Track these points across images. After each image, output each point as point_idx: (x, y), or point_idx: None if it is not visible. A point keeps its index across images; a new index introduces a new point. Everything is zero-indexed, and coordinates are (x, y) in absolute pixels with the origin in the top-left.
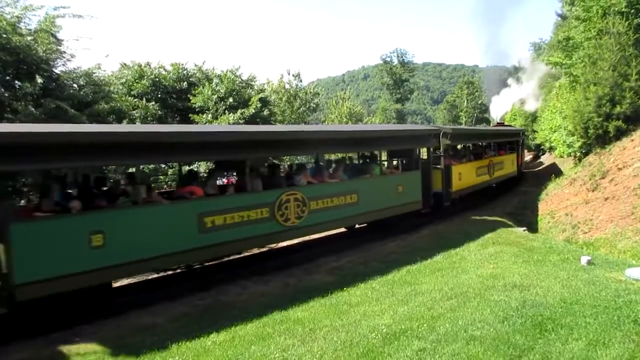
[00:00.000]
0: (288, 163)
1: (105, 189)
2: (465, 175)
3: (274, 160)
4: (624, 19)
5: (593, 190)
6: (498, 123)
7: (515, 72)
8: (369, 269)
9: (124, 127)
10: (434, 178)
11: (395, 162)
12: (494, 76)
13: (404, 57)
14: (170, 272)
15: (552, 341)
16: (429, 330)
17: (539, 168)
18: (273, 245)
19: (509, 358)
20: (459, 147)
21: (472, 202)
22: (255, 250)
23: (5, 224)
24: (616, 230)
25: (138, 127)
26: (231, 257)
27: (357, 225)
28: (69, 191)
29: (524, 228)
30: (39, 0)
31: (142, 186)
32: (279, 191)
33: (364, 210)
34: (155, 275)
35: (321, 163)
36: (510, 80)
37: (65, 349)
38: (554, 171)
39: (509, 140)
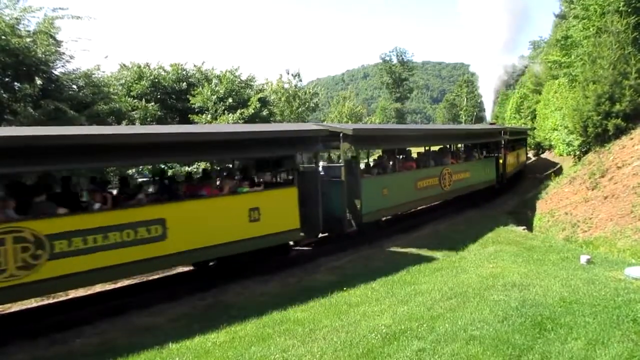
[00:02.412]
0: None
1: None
2: (510, 162)
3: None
4: (622, 17)
5: (593, 189)
6: (490, 123)
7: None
8: (369, 268)
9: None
10: (500, 163)
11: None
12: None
13: (403, 56)
14: (170, 273)
15: (552, 341)
16: (429, 330)
17: (530, 162)
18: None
19: (508, 358)
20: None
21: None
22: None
23: (358, 179)
24: (616, 229)
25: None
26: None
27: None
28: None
29: (524, 227)
30: (37, 2)
31: (395, 160)
32: (442, 167)
33: (472, 183)
34: (156, 276)
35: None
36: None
37: (66, 349)
38: (544, 163)
39: (523, 137)
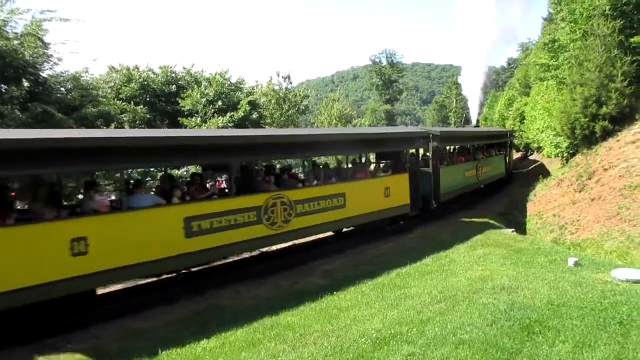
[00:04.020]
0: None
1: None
2: (511, 159)
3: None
4: (608, 20)
5: (580, 191)
6: (475, 125)
7: (504, 72)
8: (360, 271)
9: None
10: (507, 159)
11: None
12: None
13: (392, 58)
14: (164, 277)
15: (540, 344)
16: (419, 334)
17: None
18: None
19: None
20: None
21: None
22: (245, 255)
23: (437, 169)
24: (602, 231)
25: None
26: (224, 261)
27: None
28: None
29: (512, 229)
30: (25, 4)
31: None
32: (476, 161)
33: (492, 174)
34: (150, 280)
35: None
36: None
37: (57, 355)
38: (526, 161)
39: (512, 138)
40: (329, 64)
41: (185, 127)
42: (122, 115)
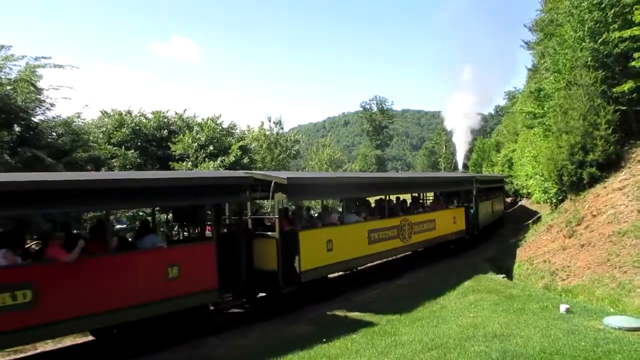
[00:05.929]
0: None
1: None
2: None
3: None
4: (590, 71)
5: (569, 237)
6: (462, 172)
7: (492, 118)
8: (349, 318)
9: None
10: (504, 200)
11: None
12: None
13: (383, 105)
14: None
15: None
16: None
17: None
18: None
19: None
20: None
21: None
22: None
23: (477, 203)
24: (593, 277)
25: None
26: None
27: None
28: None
29: (503, 275)
30: (20, 51)
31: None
32: (491, 200)
33: (496, 210)
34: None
35: None
36: None
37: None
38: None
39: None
40: (321, 110)
41: (177, 171)
42: (112, 160)
